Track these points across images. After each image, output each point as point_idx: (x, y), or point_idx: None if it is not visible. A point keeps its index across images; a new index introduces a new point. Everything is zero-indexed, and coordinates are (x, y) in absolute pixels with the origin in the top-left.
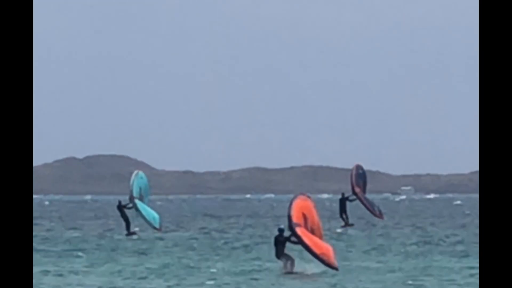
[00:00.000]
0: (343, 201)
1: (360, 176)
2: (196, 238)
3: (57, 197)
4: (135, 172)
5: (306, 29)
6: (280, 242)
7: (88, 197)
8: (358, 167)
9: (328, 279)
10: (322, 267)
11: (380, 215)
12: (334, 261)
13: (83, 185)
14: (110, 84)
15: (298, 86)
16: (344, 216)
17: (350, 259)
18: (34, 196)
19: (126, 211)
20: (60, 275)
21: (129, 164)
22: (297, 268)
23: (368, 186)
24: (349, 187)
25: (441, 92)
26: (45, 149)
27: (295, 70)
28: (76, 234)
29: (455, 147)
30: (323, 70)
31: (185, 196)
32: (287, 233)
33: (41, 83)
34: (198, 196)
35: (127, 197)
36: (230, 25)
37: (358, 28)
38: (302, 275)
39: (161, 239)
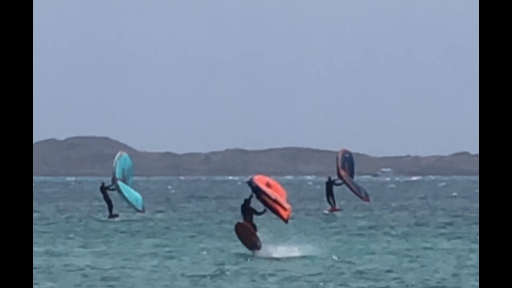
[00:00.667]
0: (329, 185)
1: (347, 160)
2: (182, 219)
3: (40, 178)
4: (119, 153)
5: (288, 11)
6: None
7: (72, 178)
8: (345, 152)
9: (324, 261)
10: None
11: (366, 198)
12: (286, 215)
13: (63, 167)
14: (91, 66)
15: (279, 68)
16: (330, 200)
17: (342, 241)
18: None
19: (109, 193)
20: (51, 255)
21: (110, 145)
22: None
23: (333, 168)
24: (331, 169)
25: (422, 74)
26: None
27: (275, 52)
28: (63, 215)
29: (435, 129)
30: (304, 52)
31: (166, 178)
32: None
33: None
34: (181, 177)
35: (109, 179)
36: (214, 7)
37: (343, 11)
38: (293, 258)
39: (147, 219)
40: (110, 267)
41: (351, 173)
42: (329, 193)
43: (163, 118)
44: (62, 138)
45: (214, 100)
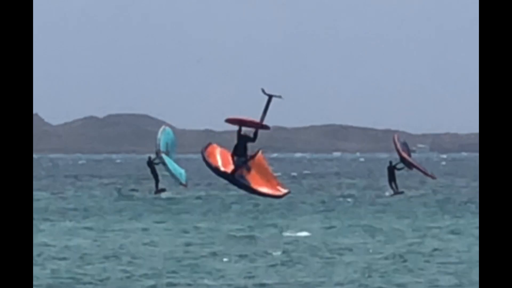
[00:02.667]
0: (391, 170)
1: (403, 143)
2: (222, 198)
3: (78, 155)
4: (162, 127)
5: None
6: None
7: (111, 156)
8: (399, 136)
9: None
10: None
11: (432, 175)
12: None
13: (103, 144)
14: (131, 44)
15: (321, 45)
16: (393, 184)
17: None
18: (55, 155)
19: (156, 167)
20: (90, 229)
21: (149, 123)
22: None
23: (384, 145)
24: (371, 146)
25: (467, 53)
26: (65, 108)
27: (318, 30)
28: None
29: (475, 106)
30: (346, 26)
31: None
32: None
33: (61, 44)
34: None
35: (144, 156)
36: None
37: None
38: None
39: (190, 197)
40: (157, 240)
41: (409, 155)
42: (391, 178)
43: (202, 95)
44: (102, 115)
45: (254, 76)
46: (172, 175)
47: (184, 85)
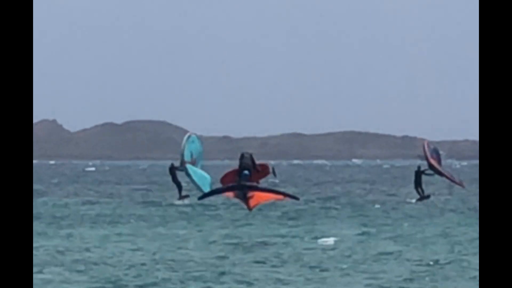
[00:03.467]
0: (418, 174)
1: (433, 150)
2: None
3: (106, 162)
4: (187, 135)
5: None
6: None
7: (128, 162)
8: (429, 143)
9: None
10: None
11: (461, 184)
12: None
13: (121, 151)
14: (148, 50)
15: (336, 53)
16: (419, 189)
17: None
18: (74, 162)
19: (177, 174)
20: (106, 237)
21: (167, 129)
22: None
23: (402, 152)
24: (388, 153)
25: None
26: (84, 114)
27: (333, 36)
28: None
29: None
30: (366, 32)
31: (222, 162)
32: None
33: (79, 50)
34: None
35: (165, 162)
36: None
37: None
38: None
39: (214, 203)
40: (171, 249)
41: (439, 162)
42: (418, 183)
43: (220, 102)
44: (120, 122)
45: (270, 84)
46: (196, 185)
47: (202, 91)
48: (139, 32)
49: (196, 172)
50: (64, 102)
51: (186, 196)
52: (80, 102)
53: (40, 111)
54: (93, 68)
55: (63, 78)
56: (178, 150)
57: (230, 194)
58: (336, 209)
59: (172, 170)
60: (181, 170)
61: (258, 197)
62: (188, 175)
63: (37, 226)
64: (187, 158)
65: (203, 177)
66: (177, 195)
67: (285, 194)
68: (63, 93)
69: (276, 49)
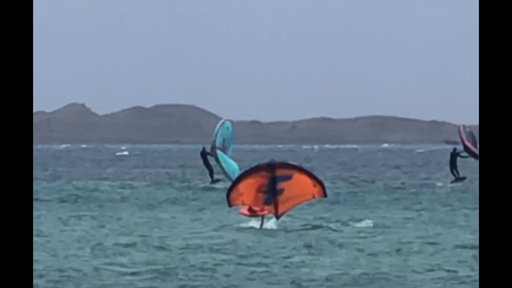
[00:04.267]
0: (453, 157)
1: (469, 133)
2: None
3: (136, 146)
4: (221, 121)
5: None
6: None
7: (157, 146)
8: (465, 126)
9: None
10: None
11: None
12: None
13: (150, 135)
14: (177, 34)
15: (366, 35)
16: (454, 171)
17: None
18: (106, 145)
19: (209, 158)
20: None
21: (195, 113)
22: None
23: (430, 137)
24: (416, 138)
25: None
26: (113, 99)
27: (365, 21)
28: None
29: None
30: (393, 17)
31: (251, 147)
32: None
33: (108, 33)
34: (268, 146)
35: (194, 147)
36: None
37: None
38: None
39: None
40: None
41: (474, 145)
42: (453, 165)
43: (249, 86)
44: (148, 106)
45: (300, 68)
46: (225, 173)
47: (231, 75)
48: (168, 15)
49: (226, 160)
50: (92, 86)
51: (218, 180)
52: (109, 86)
53: (69, 94)
54: (121, 52)
55: (91, 62)
56: (206, 135)
57: (245, 212)
58: (373, 192)
59: (204, 154)
60: (212, 156)
61: (288, 200)
62: (217, 161)
63: (76, 209)
64: (218, 144)
65: (232, 166)
66: (209, 179)
67: (319, 181)
68: (92, 77)
69: (305, 33)
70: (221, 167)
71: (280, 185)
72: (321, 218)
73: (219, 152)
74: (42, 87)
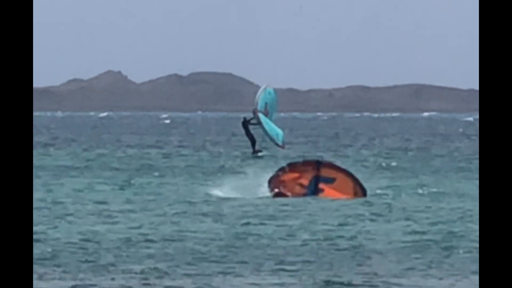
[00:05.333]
0: None
1: None
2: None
3: (163, 114)
4: (263, 86)
5: None
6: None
7: (197, 114)
8: None
9: None
10: None
11: None
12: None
13: (187, 103)
14: (215, 0)
15: (403, 2)
16: None
17: None
18: (145, 113)
19: (251, 128)
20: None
21: (232, 81)
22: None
23: (468, 105)
24: (453, 107)
25: None
26: (149, 66)
27: None
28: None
29: None
30: None
31: (289, 115)
32: None
33: (143, 2)
34: (307, 114)
35: (233, 115)
36: None
37: None
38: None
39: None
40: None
41: None
42: None
43: (286, 54)
44: (185, 73)
45: (335, 36)
46: (268, 135)
47: (267, 43)
48: None
49: (269, 123)
50: (129, 53)
51: (259, 151)
52: (145, 54)
53: (105, 62)
54: (157, 19)
55: (128, 29)
56: (244, 102)
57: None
58: (433, 159)
59: (245, 124)
60: (254, 124)
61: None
62: (259, 123)
63: (137, 177)
64: (260, 107)
65: (275, 130)
66: (251, 149)
67: (360, 185)
68: (128, 44)
69: (343, 1)
70: (264, 129)
71: (322, 185)
72: (381, 186)
73: (261, 115)
74: (78, 55)
